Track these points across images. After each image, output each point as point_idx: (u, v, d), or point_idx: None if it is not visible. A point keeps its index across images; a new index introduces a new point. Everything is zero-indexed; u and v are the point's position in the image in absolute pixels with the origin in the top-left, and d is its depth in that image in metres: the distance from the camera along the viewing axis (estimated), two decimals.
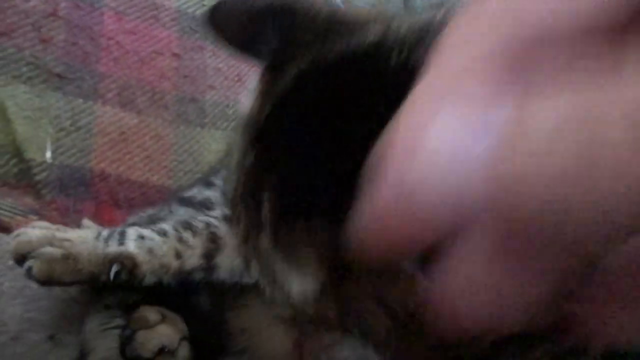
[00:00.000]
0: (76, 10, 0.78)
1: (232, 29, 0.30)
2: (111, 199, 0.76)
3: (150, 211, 0.64)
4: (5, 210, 0.63)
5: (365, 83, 0.23)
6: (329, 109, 0.24)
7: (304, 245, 0.24)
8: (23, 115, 0.70)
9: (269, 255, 0.26)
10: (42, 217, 0.67)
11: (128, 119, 0.79)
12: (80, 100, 0.75)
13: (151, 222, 0.59)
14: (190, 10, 0.92)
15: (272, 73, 0.27)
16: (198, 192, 0.61)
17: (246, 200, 0.27)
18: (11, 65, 0.70)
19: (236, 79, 0.95)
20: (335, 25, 0.25)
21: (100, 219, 0.74)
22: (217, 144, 0.89)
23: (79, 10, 0.78)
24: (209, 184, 0.62)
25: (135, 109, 0.81)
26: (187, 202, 0.61)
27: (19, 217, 0.64)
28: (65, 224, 0.59)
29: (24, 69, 0.71)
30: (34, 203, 0.68)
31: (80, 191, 0.73)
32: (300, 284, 0.25)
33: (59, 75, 0.74)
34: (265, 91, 0.27)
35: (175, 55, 0.87)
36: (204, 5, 0.93)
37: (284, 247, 0.25)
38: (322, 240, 0.24)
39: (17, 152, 0.68)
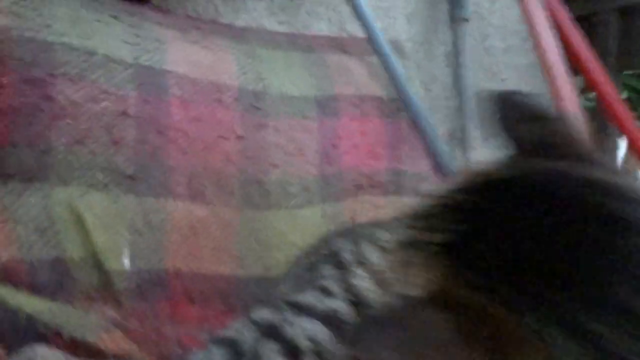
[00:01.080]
0: (144, 105, 0.78)
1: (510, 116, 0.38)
2: (185, 296, 0.76)
3: (258, 315, 0.63)
4: (92, 332, 0.63)
5: None
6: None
7: None
8: (101, 224, 0.70)
9: None
10: (122, 328, 0.67)
11: (198, 211, 0.79)
12: (152, 199, 0.75)
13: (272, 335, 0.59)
14: (250, 88, 0.90)
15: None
16: (317, 300, 0.61)
17: None
18: (87, 173, 0.71)
19: (297, 152, 0.94)
20: None
21: (175, 318, 0.74)
22: (280, 224, 0.88)
23: (147, 104, 0.78)
24: (326, 291, 0.61)
25: (204, 200, 0.80)
26: (307, 311, 0.60)
27: (104, 335, 0.64)
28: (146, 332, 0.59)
29: (99, 175, 0.71)
30: (115, 314, 0.68)
31: (156, 293, 0.73)
32: None
33: (131, 177, 0.74)
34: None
35: (239, 137, 0.86)
36: (262, 79, 0.92)
37: None
38: None
39: (97, 263, 0.69)
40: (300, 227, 0.91)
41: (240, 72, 0.89)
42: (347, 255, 0.67)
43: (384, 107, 1.06)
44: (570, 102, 1.01)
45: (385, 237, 0.70)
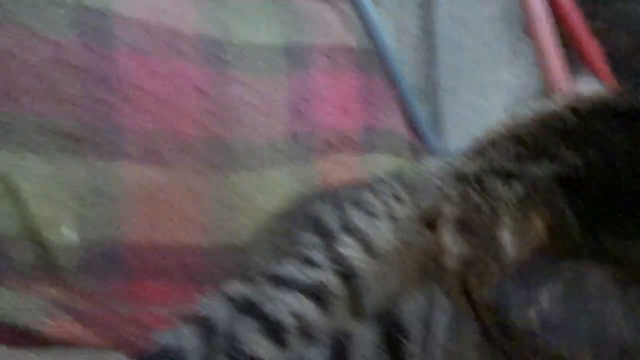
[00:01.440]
0: (89, 54, 0.67)
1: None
2: (144, 272, 0.67)
3: (231, 290, 0.56)
4: (34, 317, 0.55)
5: None
6: None
7: None
8: (40, 193, 0.60)
9: None
10: (69, 310, 0.59)
11: (156, 176, 0.70)
12: (102, 163, 0.65)
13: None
14: (212, 36, 0.80)
15: None
16: (299, 272, 0.54)
17: None
18: (21, 134, 0.60)
19: (265, 109, 0.85)
20: None
21: (133, 296, 0.66)
22: (247, 187, 0.80)
23: (92, 53, 0.67)
24: (309, 262, 0.55)
25: (161, 163, 0.71)
26: (288, 284, 0.54)
27: (47, 320, 0.56)
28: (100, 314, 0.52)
29: (36, 136, 0.61)
30: (63, 296, 0.59)
31: (110, 269, 0.64)
32: None
33: (75, 138, 0.64)
34: None
35: (200, 92, 0.77)
36: (225, 26, 0.82)
37: None
38: None
39: (37, 238, 0.59)
40: (269, 189, 0.83)
41: (200, 17, 0.79)
42: (330, 221, 0.61)
43: (356, 59, 0.98)
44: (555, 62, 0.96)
45: (372, 200, 0.63)
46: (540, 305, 0.24)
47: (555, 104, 0.33)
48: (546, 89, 1.11)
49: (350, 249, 0.57)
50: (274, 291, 0.55)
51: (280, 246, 0.63)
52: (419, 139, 1.03)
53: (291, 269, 0.57)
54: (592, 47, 1.06)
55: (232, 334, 0.53)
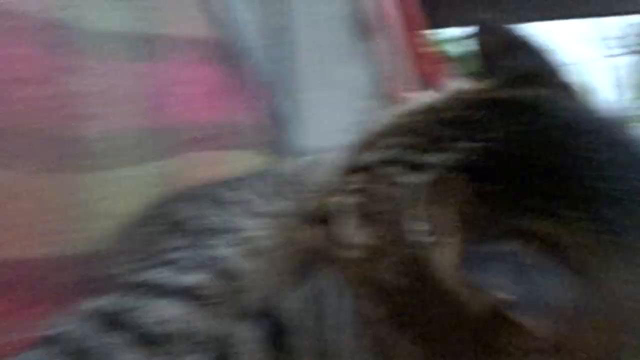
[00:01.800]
0: None
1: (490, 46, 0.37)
2: None
3: (94, 305, 0.50)
4: None
5: None
6: None
7: None
8: None
9: None
10: None
11: None
12: None
13: None
14: (56, 17, 0.71)
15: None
16: (170, 277, 0.50)
17: None
18: None
19: (121, 101, 0.78)
20: None
21: None
22: (105, 188, 0.73)
23: None
24: (180, 265, 0.50)
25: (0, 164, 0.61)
26: (159, 290, 0.49)
27: None
28: None
29: None
30: None
31: None
32: None
33: None
34: None
35: (43, 81, 0.68)
36: (72, 8, 0.73)
37: None
38: None
39: None
40: (130, 190, 0.77)
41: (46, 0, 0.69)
42: (196, 222, 0.58)
43: (219, 52, 0.95)
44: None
45: (234, 197, 0.62)
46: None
47: (439, 96, 0.35)
48: (386, 91, 1.19)
49: (222, 249, 0.55)
50: (144, 299, 0.51)
51: (144, 252, 0.59)
52: (282, 136, 1.04)
53: (161, 274, 0.53)
54: (425, 53, 1.16)
55: (101, 351, 0.48)
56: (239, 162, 0.92)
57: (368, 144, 0.36)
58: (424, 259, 0.29)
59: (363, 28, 1.59)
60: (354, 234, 0.33)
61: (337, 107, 1.56)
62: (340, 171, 0.37)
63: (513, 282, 0.23)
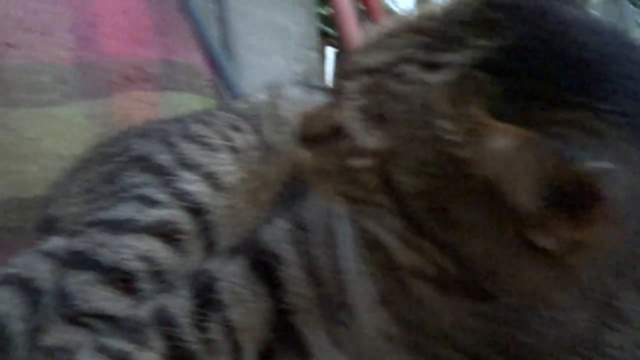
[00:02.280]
0: None
1: None
2: None
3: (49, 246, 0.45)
4: None
5: None
6: None
7: None
8: None
9: None
10: None
11: None
12: None
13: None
14: None
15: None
16: (137, 212, 0.45)
17: None
18: None
19: (41, 30, 0.69)
20: None
21: None
22: (31, 127, 0.65)
23: None
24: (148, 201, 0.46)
25: None
26: (126, 226, 0.44)
27: None
28: None
29: None
30: None
31: None
32: None
33: None
34: None
35: None
36: None
37: None
38: None
39: None
40: (58, 130, 0.69)
41: None
42: (163, 157, 0.53)
43: None
44: None
45: (206, 132, 0.57)
46: None
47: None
48: (342, 37, 1.16)
49: (193, 185, 0.51)
50: (108, 237, 0.46)
51: (101, 191, 0.53)
52: (220, 77, 0.98)
53: (126, 211, 0.48)
54: None
55: (64, 291, 0.43)
56: (180, 102, 0.86)
57: (372, 45, 0.34)
58: (457, 156, 0.27)
59: None
60: (366, 138, 0.31)
61: (275, 53, 1.51)
62: (337, 77, 0.35)
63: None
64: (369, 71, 0.32)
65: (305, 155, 0.36)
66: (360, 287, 0.37)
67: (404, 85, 0.30)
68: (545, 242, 0.26)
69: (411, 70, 0.30)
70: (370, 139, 0.30)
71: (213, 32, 1.03)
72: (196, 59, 0.95)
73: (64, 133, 0.69)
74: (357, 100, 0.32)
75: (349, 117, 0.31)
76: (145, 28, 0.86)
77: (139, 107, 0.82)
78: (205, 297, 0.41)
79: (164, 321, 0.40)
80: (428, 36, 0.31)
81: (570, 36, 0.29)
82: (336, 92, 0.34)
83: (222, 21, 1.16)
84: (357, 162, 0.31)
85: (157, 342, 0.38)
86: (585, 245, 0.25)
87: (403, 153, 0.29)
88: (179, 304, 0.41)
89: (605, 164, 0.23)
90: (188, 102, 0.91)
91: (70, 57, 0.72)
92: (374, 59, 0.32)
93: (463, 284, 0.29)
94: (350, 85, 0.32)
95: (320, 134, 0.35)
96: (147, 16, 0.86)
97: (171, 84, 0.88)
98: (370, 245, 0.36)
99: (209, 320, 0.40)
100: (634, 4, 1.73)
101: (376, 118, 0.31)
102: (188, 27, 0.94)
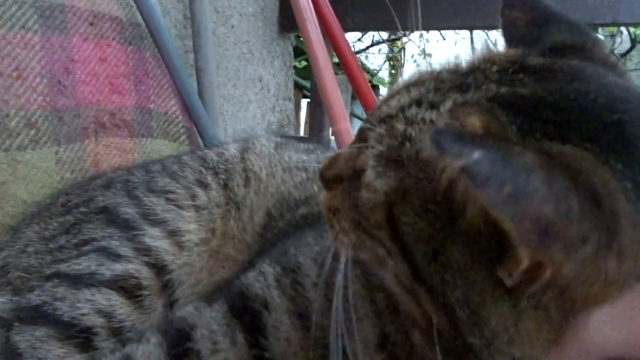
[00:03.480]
0: None
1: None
2: None
3: None
4: None
5: None
6: None
7: None
8: None
9: None
10: None
11: None
12: None
13: None
14: None
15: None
16: (99, 266, 0.43)
17: None
18: None
19: (14, 74, 0.68)
20: None
21: None
22: (4, 173, 0.63)
23: None
24: (111, 254, 0.44)
25: None
26: (86, 280, 0.42)
27: None
28: None
29: None
30: None
31: None
32: None
33: None
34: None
35: None
36: None
37: None
38: None
39: None
40: (26, 175, 0.67)
41: None
42: (128, 210, 0.52)
43: (124, 31, 0.87)
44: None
45: (173, 187, 0.56)
46: None
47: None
48: (317, 88, 1.18)
49: (158, 241, 0.50)
50: (67, 291, 0.44)
51: (59, 242, 0.51)
52: (196, 125, 0.98)
53: (88, 264, 0.47)
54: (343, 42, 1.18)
55: (15, 350, 0.40)
56: (154, 150, 0.85)
57: (392, 94, 0.34)
58: (451, 196, 0.28)
59: (277, 26, 1.57)
60: (378, 181, 0.31)
61: (251, 103, 1.52)
62: (362, 124, 0.35)
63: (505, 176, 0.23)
64: (385, 118, 0.33)
65: (324, 194, 0.36)
66: (360, 331, 0.36)
67: (410, 126, 0.30)
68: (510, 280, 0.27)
69: (418, 111, 0.31)
70: (382, 181, 0.31)
71: (191, 81, 1.04)
72: (173, 106, 0.95)
73: (31, 178, 0.68)
74: (375, 147, 0.32)
75: (368, 161, 0.32)
76: (122, 75, 0.86)
77: (112, 153, 0.81)
78: (181, 347, 0.39)
79: None
80: (440, 82, 0.32)
81: (590, 96, 0.30)
82: (360, 139, 0.35)
83: (201, 71, 1.17)
84: (369, 201, 0.31)
85: None
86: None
87: (409, 193, 0.30)
88: (148, 352, 0.39)
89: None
90: (162, 149, 0.91)
91: (42, 102, 0.71)
92: (390, 106, 0.33)
93: (449, 341, 0.30)
94: (371, 133, 0.33)
95: (341, 176, 0.35)
96: (125, 64, 0.87)
97: (146, 131, 0.88)
98: (373, 287, 0.36)
99: None
100: None
101: (390, 161, 0.31)
102: (166, 75, 0.95)
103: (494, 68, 0.32)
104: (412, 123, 0.31)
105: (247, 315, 0.40)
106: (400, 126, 0.31)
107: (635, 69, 4.21)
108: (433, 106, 0.31)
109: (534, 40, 0.35)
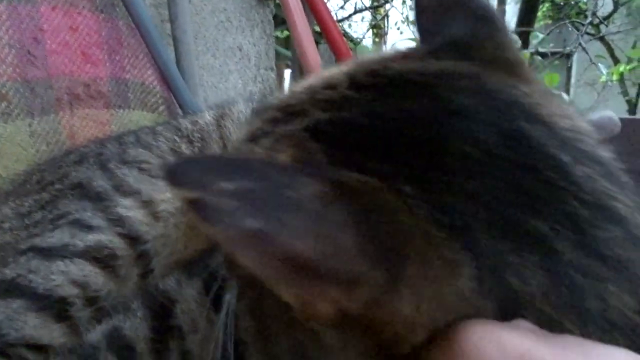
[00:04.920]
0: None
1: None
2: None
3: None
4: None
5: None
6: None
7: None
8: None
9: None
10: None
11: None
12: None
13: None
14: None
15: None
16: (72, 238, 0.42)
17: None
18: None
19: None
20: None
21: None
22: None
23: None
24: (84, 226, 0.43)
25: None
26: (60, 252, 0.42)
27: None
28: None
29: None
30: None
31: None
32: None
33: None
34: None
35: None
36: None
37: None
38: None
39: None
40: (1, 149, 0.66)
41: None
42: (101, 183, 0.51)
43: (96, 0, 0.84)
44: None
45: (146, 157, 0.55)
46: None
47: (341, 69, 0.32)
48: (298, 58, 1.16)
49: (131, 211, 0.49)
50: (41, 263, 0.44)
51: (35, 217, 0.51)
52: (174, 96, 0.96)
53: (61, 237, 0.46)
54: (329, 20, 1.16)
55: None
56: (131, 121, 0.84)
57: (249, 123, 0.33)
58: None
59: None
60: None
61: (232, 73, 1.50)
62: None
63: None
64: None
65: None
66: None
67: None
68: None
69: (246, 145, 0.30)
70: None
71: (168, 51, 1.02)
72: (150, 77, 0.94)
73: (5, 151, 0.66)
74: None
75: None
76: (95, 44, 0.84)
77: (88, 125, 0.80)
78: (164, 322, 0.40)
79: (120, 345, 0.38)
80: (279, 111, 0.31)
81: (416, 113, 0.27)
82: None
83: (178, 40, 1.15)
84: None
85: None
86: None
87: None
88: (135, 327, 0.39)
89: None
90: (140, 120, 0.89)
91: (12, 73, 0.69)
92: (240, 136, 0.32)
93: None
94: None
95: None
96: (97, 33, 0.84)
97: (122, 102, 0.86)
98: None
99: (169, 347, 0.39)
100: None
101: None
102: (141, 44, 0.92)
103: (338, 87, 0.30)
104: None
105: (215, 294, 0.40)
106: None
107: (618, 32, 4.20)
108: (255, 139, 0.29)
109: (436, 34, 0.32)
